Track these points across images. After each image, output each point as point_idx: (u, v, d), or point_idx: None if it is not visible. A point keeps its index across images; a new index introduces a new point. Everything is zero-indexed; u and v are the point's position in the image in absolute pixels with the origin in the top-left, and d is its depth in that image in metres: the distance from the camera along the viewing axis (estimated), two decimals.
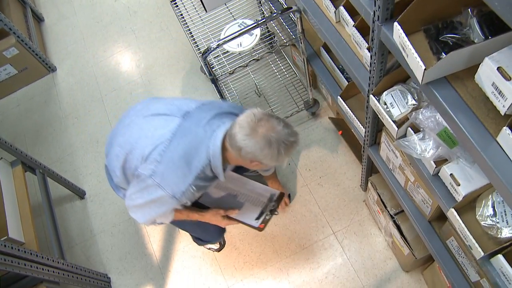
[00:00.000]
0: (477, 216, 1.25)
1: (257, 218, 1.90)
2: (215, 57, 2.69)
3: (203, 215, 1.79)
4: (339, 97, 1.87)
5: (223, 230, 2.13)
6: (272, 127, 1.36)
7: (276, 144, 1.35)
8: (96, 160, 2.91)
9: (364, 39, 1.51)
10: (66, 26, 3.73)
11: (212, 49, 1.80)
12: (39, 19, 3.82)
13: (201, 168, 1.48)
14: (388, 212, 1.93)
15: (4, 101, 3.43)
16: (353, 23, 1.53)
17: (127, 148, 1.55)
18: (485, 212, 1.23)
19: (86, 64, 3.42)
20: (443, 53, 1.05)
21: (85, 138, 3.02)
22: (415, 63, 1.01)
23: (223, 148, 1.48)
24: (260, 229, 1.87)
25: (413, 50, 1.00)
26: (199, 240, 2.26)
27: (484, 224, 1.22)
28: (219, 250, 2.40)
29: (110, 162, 1.66)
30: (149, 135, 1.51)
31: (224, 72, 2.15)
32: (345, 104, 1.85)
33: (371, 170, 2.15)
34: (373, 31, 1.21)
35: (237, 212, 1.85)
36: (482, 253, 1.17)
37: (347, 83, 1.95)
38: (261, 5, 2.57)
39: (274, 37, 2.68)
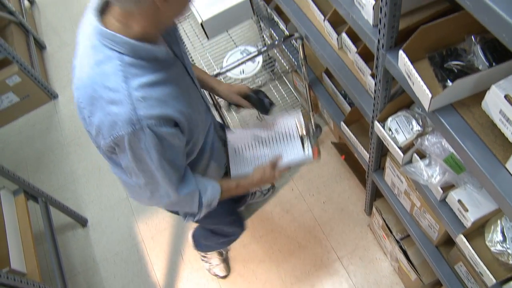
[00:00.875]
0: (486, 242, 1.24)
1: (303, 150, 1.62)
2: None
3: (251, 180, 1.49)
4: (342, 122, 1.88)
5: (241, 218, 2.03)
6: None
7: None
8: (98, 187, 2.89)
9: (367, 66, 1.52)
10: (67, 53, 3.77)
11: (215, 76, 1.82)
12: (41, 46, 3.86)
13: (119, 64, 1.04)
14: (394, 237, 1.92)
15: (6, 129, 3.44)
16: (356, 50, 1.55)
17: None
18: (494, 237, 1.22)
19: None
20: (448, 81, 1.05)
21: (87, 165, 3.02)
22: (422, 91, 1.02)
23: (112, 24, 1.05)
24: (315, 159, 1.59)
25: (419, 79, 1.01)
26: (225, 237, 2.11)
27: (494, 250, 1.20)
28: (225, 277, 2.38)
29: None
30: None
31: None
32: (348, 130, 1.85)
33: (375, 194, 2.14)
34: (377, 59, 1.21)
35: (281, 157, 1.58)
36: (494, 281, 1.16)
37: (349, 108, 1.96)
38: (262, 31, 2.60)
39: (275, 62, 2.70)
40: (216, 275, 2.38)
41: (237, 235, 2.08)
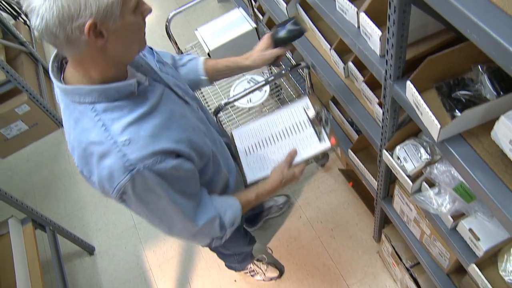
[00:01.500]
0: (500, 271, 1.22)
1: (319, 139, 1.49)
2: (224, 112, 2.72)
3: (270, 185, 1.40)
4: (350, 150, 1.88)
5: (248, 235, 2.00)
6: None
7: None
8: (105, 215, 2.89)
9: (374, 94, 1.53)
10: None
11: (223, 107, 1.83)
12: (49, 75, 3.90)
13: (99, 111, 1.00)
14: (404, 264, 1.90)
15: (14, 157, 3.47)
16: (363, 79, 1.56)
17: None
18: (508, 267, 1.20)
19: None
20: (456, 111, 1.06)
21: (94, 193, 3.02)
22: (430, 121, 1.02)
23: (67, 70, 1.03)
24: (333, 146, 1.47)
25: (427, 109, 1.02)
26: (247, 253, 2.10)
27: (509, 280, 1.19)
28: (281, 275, 2.39)
29: None
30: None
31: (234, 127, 2.17)
32: (356, 158, 1.85)
33: (384, 221, 2.13)
34: (385, 89, 1.22)
35: (296, 151, 1.46)
36: None
37: (357, 135, 1.96)
38: None
39: (282, 90, 2.73)
40: (273, 278, 2.37)
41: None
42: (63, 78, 1.05)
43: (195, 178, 1.19)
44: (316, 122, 1.52)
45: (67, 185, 3.14)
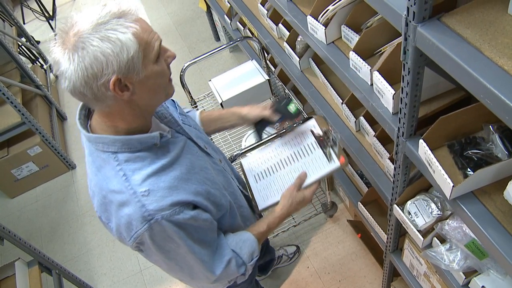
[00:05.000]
0: None
1: (328, 159, 1.48)
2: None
3: (281, 211, 1.40)
4: (359, 203, 1.89)
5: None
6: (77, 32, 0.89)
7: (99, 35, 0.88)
8: (111, 259, 2.88)
9: (385, 149, 1.55)
10: None
11: (234, 158, 1.84)
12: (62, 118, 3.99)
13: (123, 165, 1.03)
14: None
15: (23, 197, 3.49)
16: (374, 133, 1.59)
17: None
18: None
19: None
20: (469, 169, 1.08)
21: (101, 237, 3.02)
22: (443, 179, 1.04)
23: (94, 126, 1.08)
24: (343, 165, 1.45)
25: (440, 167, 1.04)
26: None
27: None
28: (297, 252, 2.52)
29: None
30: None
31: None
32: (366, 210, 1.86)
33: (393, 274, 2.11)
34: (397, 146, 1.25)
35: (306, 174, 1.47)
36: None
37: (366, 188, 1.97)
38: None
39: None
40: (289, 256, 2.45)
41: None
42: (89, 125, 1.09)
43: (213, 227, 1.20)
44: (324, 143, 1.52)
45: (74, 228, 3.14)
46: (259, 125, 1.59)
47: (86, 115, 1.11)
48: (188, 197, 1.07)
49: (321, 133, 1.55)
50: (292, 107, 1.55)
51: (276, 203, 1.45)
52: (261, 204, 1.52)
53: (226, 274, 1.24)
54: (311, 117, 1.61)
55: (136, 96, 0.98)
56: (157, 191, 1.02)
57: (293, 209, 1.42)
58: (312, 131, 1.58)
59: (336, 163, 1.45)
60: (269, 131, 2.13)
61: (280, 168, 1.57)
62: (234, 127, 1.64)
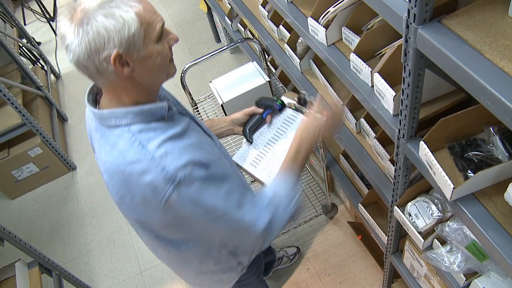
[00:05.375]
0: None
1: None
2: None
3: (296, 145, 1.36)
4: (360, 204, 1.89)
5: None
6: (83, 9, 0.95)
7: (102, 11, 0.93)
8: (111, 261, 2.88)
9: (386, 151, 1.55)
10: None
11: None
12: (63, 119, 3.99)
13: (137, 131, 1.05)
14: None
15: (23, 198, 3.48)
16: (374, 135, 1.59)
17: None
18: None
19: None
20: (469, 171, 1.08)
21: (101, 238, 3.02)
22: (443, 181, 1.04)
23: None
24: (328, 117, 1.42)
25: (440, 169, 1.04)
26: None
27: None
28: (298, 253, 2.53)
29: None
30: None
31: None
32: (366, 212, 1.86)
33: (393, 276, 2.11)
34: (397, 147, 1.25)
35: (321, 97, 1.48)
36: None
37: (366, 189, 1.97)
38: None
39: None
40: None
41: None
42: (98, 108, 1.12)
43: (237, 183, 1.19)
44: (302, 107, 1.60)
45: (75, 229, 3.14)
46: (247, 122, 1.65)
47: (94, 99, 1.14)
48: (201, 158, 1.07)
49: (295, 100, 1.63)
50: (275, 99, 1.63)
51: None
52: (268, 181, 1.54)
53: (274, 219, 1.21)
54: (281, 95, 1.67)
55: (136, 73, 1.01)
56: (174, 151, 1.03)
57: (318, 131, 1.38)
58: (287, 106, 1.65)
59: (322, 118, 1.42)
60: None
61: (272, 145, 1.62)
62: (227, 134, 1.68)
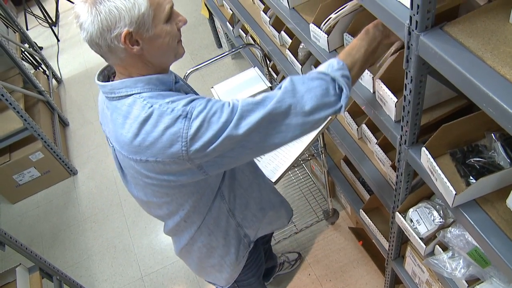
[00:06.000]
0: None
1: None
2: None
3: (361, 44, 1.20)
4: (361, 210, 1.89)
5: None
6: None
7: None
8: (112, 266, 2.87)
9: (387, 157, 1.56)
10: (89, 131, 3.89)
11: None
12: (64, 123, 4.00)
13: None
14: None
15: (24, 202, 3.48)
16: (376, 141, 1.59)
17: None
18: None
19: (107, 169, 3.50)
20: (471, 177, 1.08)
21: (102, 243, 3.02)
22: (445, 187, 1.04)
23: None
24: None
25: (442, 175, 1.04)
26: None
27: None
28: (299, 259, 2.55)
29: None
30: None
31: None
32: (368, 218, 1.86)
33: (394, 282, 2.10)
34: (399, 153, 1.26)
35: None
36: None
37: (368, 195, 1.97)
38: None
39: None
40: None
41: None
42: None
43: None
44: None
45: (75, 234, 3.13)
46: None
47: (106, 80, 1.18)
48: None
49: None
50: None
51: (287, 170, 1.52)
52: (273, 177, 1.59)
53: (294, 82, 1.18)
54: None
55: (145, 52, 1.06)
56: (177, 100, 1.06)
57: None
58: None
59: None
60: None
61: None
62: None
